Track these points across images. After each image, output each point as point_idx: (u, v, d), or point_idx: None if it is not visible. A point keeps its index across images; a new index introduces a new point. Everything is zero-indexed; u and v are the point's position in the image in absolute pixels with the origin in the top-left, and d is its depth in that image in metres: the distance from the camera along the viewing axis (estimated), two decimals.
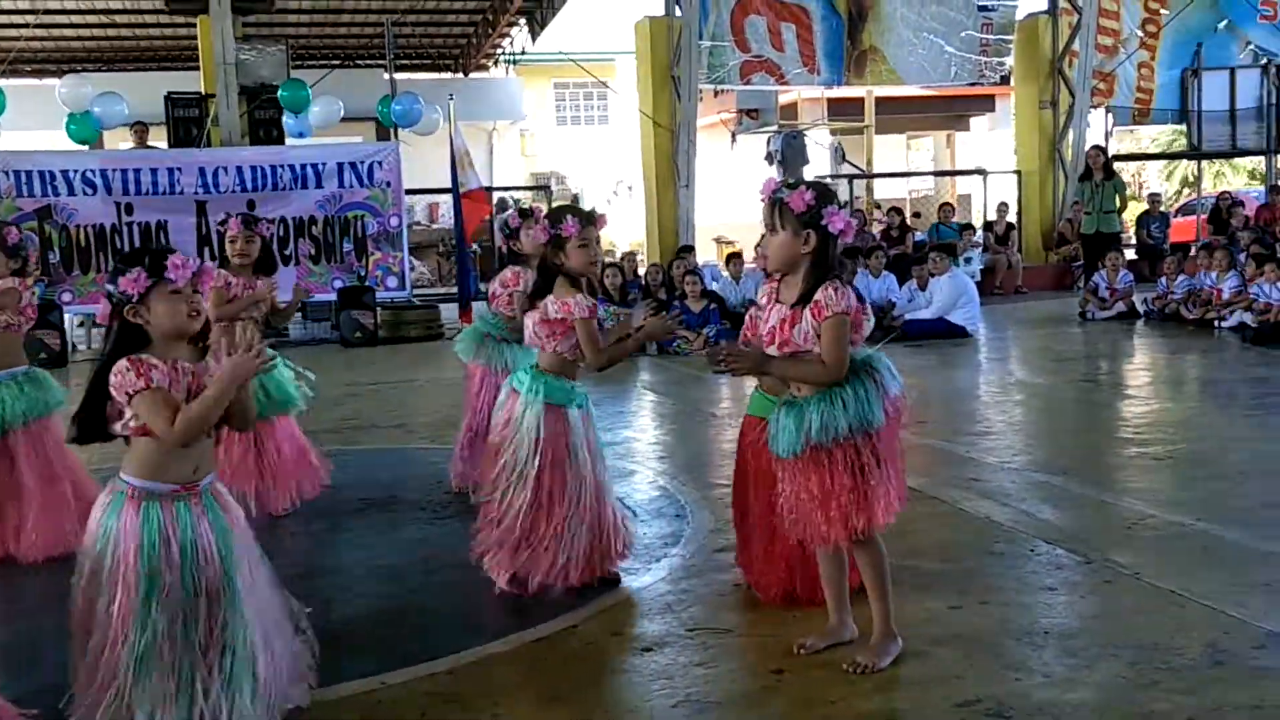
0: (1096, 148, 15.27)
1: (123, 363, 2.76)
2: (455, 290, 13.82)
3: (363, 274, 13.14)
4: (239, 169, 12.80)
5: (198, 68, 14.84)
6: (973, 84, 17.76)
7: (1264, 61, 17.56)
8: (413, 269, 15.17)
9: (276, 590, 3.01)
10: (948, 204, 17.95)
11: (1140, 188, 27.19)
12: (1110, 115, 17.59)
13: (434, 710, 3.18)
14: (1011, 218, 16.50)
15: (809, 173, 17.35)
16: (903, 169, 26.53)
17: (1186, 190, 26.64)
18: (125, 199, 12.57)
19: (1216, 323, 10.97)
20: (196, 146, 13.37)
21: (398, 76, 15.34)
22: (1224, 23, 17.52)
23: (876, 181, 21.38)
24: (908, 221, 16.67)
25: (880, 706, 3.09)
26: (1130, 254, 15.76)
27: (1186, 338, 10.75)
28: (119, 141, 15.81)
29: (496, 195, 18.83)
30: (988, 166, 19.39)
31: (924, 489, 5.08)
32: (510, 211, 5.35)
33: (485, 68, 25.11)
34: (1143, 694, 3.07)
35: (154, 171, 12.67)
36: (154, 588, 2.73)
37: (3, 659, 3.65)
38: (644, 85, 15.23)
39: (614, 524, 4.06)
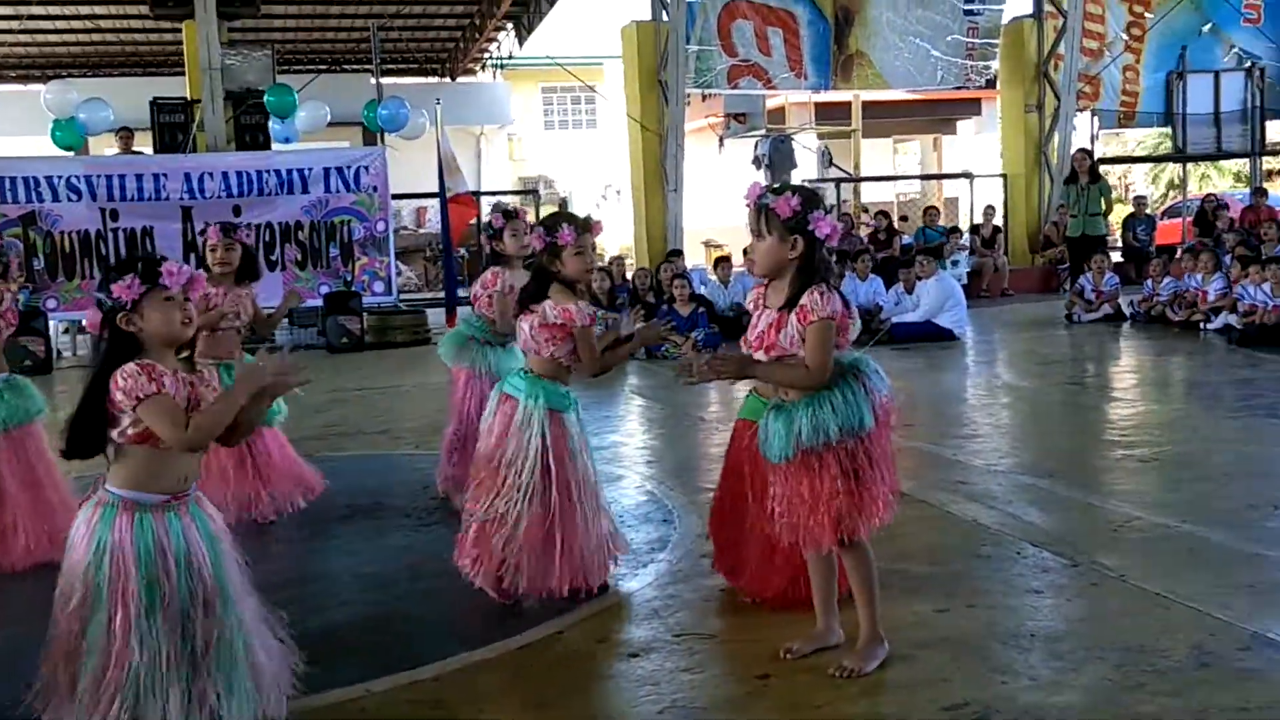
0: (1082, 151, 15.31)
1: (131, 366, 2.69)
2: (442, 295, 13.79)
3: (349, 279, 13.11)
4: (225, 174, 12.74)
5: (183, 73, 14.80)
6: (959, 88, 17.79)
7: (1248, 64, 17.63)
8: (399, 274, 15.12)
9: (254, 598, 2.99)
10: (933, 207, 17.99)
11: (1126, 190, 27.29)
12: (1095, 118, 17.63)
13: (420, 717, 3.17)
14: (998, 221, 16.54)
15: (796, 176, 17.36)
16: (890, 173, 26.60)
17: (1172, 193, 26.74)
18: (110, 205, 12.51)
19: (1202, 325, 11.01)
20: (182, 152, 13.28)
21: (384, 81, 15.30)
22: (1208, 26, 17.58)
23: (864, 185, 21.43)
24: (895, 225, 16.70)
25: (866, 711, 3.09)
26: (1116, 256, 15.80)
27: (1172, 340, 10.79)
28: (104, 147, 15.72)
29: (485, 200, 18.80)
30: (974, 170, 19.41)
31: (911, 492, 5.08)
32: (493, 213, 5.30)
33: (472, 72, 25.11)
34: (1129, 696, 3.08)
35: (139, 177, 12.60)
36: (155, 599, 2.69)
37: None
38: (631, 89, 15.22)
39: (608, 529, 4.07)
